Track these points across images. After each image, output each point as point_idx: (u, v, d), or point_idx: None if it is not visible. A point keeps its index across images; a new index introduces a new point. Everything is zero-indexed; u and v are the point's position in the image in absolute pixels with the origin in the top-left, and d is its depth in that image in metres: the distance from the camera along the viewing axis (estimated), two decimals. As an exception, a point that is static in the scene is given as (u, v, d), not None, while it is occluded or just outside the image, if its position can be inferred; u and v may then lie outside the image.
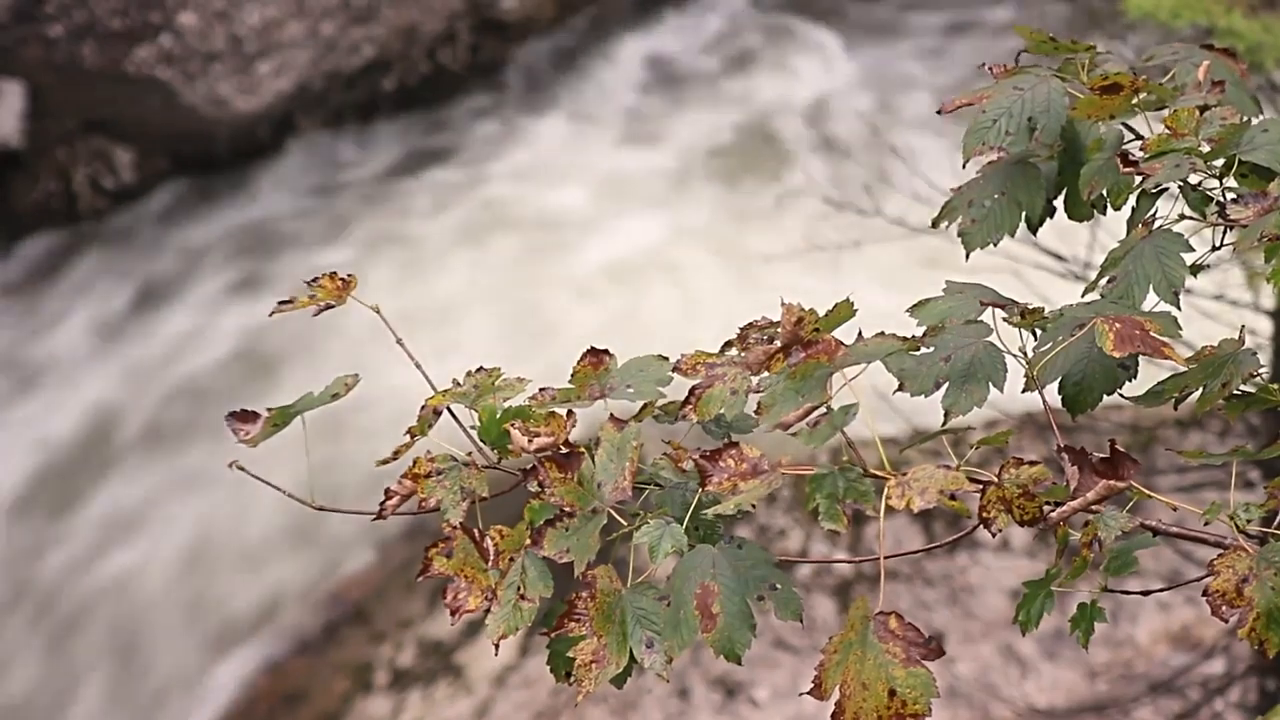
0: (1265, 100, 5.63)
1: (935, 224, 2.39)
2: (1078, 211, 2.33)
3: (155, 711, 8.00)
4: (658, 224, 10.15)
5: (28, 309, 10.08)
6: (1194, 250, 2.19)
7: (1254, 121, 2.26)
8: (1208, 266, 2.25)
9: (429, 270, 9.98)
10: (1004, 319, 2.15)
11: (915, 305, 2.20)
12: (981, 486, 1.98)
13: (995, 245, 2.33)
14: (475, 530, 2.04)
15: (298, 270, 9.76)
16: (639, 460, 2.05)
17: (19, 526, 8.71)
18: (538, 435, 2.08)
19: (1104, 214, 2.32)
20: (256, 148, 11.05)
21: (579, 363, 2.18)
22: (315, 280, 2.26)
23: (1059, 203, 2.36)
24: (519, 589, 2.00)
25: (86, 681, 8.10)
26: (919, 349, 2.10)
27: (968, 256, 2.34)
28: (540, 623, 2.01)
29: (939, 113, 2.35)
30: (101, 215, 10.72)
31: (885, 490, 1.96)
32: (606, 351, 2.19)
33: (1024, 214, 2.33)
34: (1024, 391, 2.12)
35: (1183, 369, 2.13)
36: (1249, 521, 2.07)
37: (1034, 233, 2.35)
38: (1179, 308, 2.14)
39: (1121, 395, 2.17)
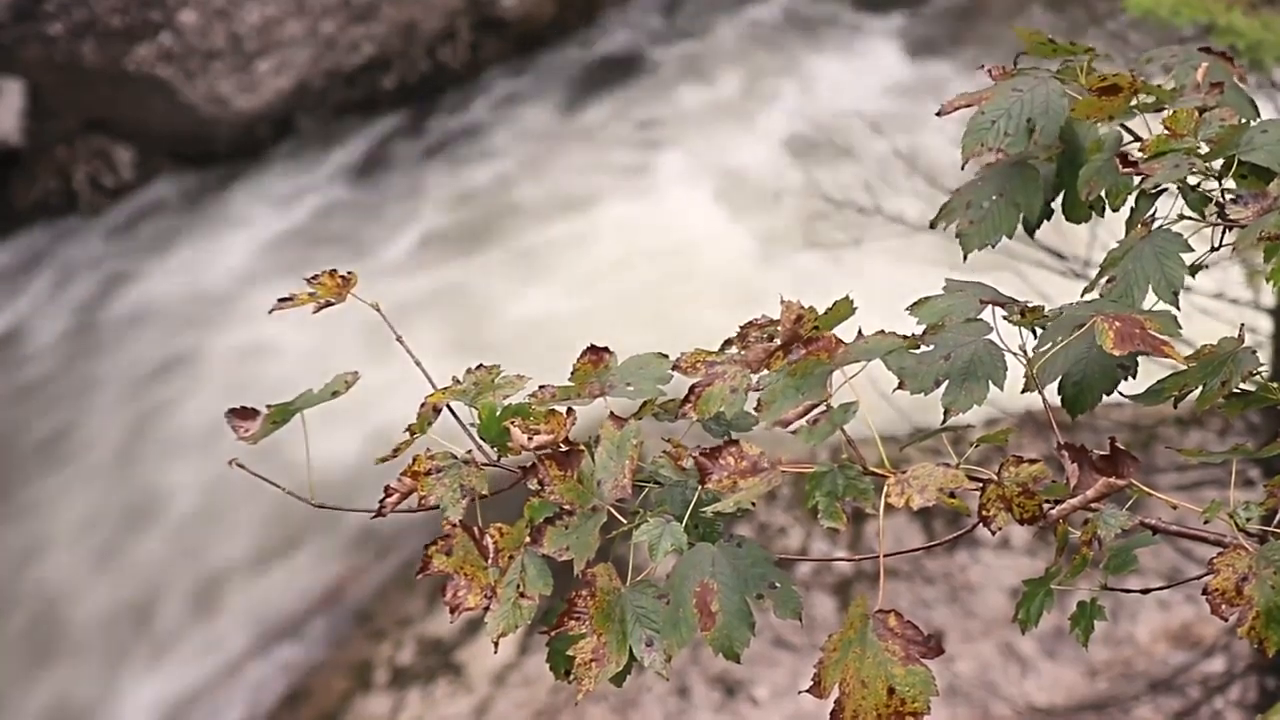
0: (1265, 99, 5.63)
1: (934, 225, 2.38)
2: (1076, 213, 2.33)
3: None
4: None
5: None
6: (1193, 250, 2.19)
7: (1253, 122, 2.26)
8: (1207, 266, 2.25)
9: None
10: (1004, 317, 2.14)
11: (915, 303, 2.20)
12: (981, 484, 1.97)
13: (993, 247, 2.33)
14: (475, 528, 2.04)
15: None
16: (639, 458, 2.05)
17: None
18: (537, 433, 2.08)
19: (1102, 215, 2.32)
20: (256, 146, 11.05)
21: (579, 360, 2.18)
22: (315, 278, 2.26)
23: (1057, 204, 2.36)
24: (518, 587, 2.00)
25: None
26: (919, 347, 2.10)
27: (965, 257, 2.33)
28: (540, 621, 2.01)
29: (938, 114, 2.35)
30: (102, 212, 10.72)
31: (885, 488, 1.96)
32: (606, 349, 2.19)
33: (1022, 215, 2.33)
34: (1024, 391, 2.11)
35: (1182, 367, 2.13)
36: (1249, 520, 2.07)
37: (1031, 234, 2.34)
38: (1178, 307, 2.14)
39: (1121, 394, 2.17)
